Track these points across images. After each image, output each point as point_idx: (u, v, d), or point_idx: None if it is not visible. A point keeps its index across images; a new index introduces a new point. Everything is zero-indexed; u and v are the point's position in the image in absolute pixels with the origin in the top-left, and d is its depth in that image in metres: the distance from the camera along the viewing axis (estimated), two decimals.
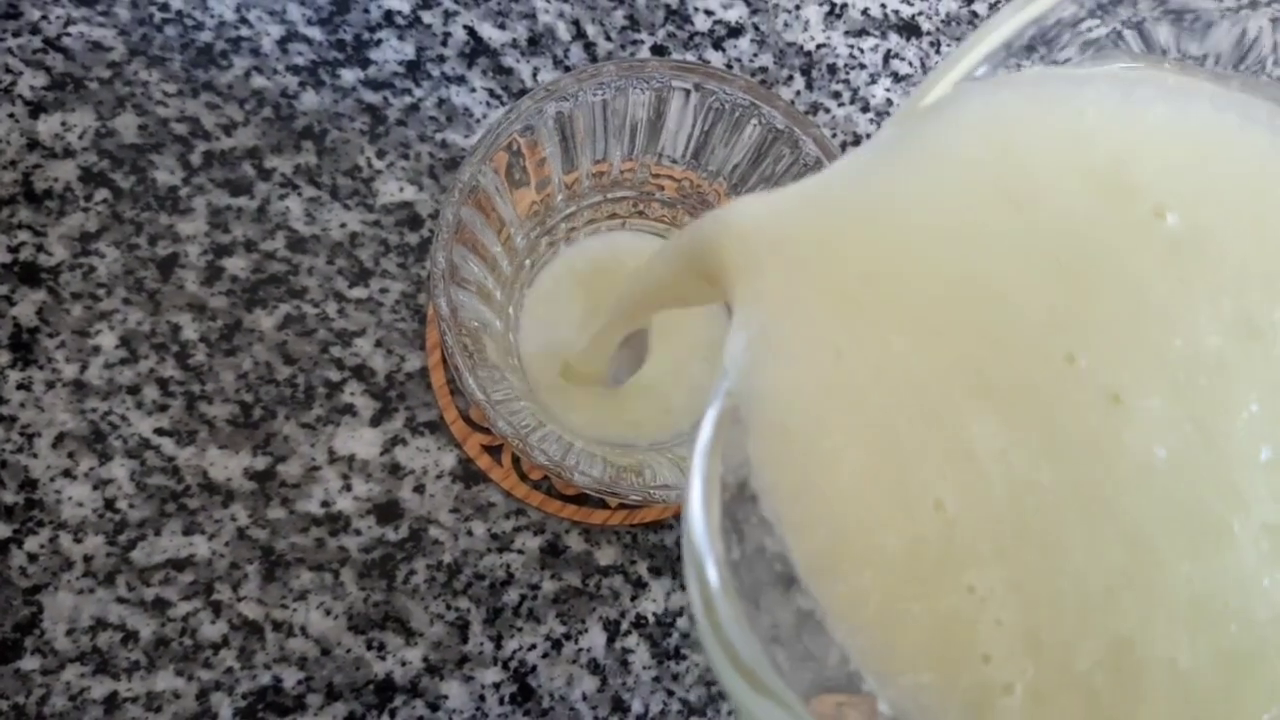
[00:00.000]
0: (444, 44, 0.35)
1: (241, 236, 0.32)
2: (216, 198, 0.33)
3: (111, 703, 0.29)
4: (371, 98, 0.34)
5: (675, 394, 0.32)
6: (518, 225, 0.29)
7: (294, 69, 0.34)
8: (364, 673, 0.30)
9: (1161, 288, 0.13)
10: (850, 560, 0.13)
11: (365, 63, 0.34)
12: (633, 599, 0.32)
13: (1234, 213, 0.13)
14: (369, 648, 0.31)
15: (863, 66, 0.36)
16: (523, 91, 0.35)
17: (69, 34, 0.33)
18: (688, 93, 0.27)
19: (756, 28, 0.36)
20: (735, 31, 0.36)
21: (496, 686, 0.31)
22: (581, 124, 0.27)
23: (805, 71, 0.36)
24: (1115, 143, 0.14)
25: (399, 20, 0.35)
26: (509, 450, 0.32)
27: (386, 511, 0.31)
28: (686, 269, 0.18)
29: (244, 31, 0.34)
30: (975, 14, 0.37)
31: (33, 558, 0.30)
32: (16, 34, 0.33)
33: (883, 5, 0.37)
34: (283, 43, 0.34)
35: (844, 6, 0.37)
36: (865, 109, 0.36)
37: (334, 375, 0.32)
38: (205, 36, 0.34)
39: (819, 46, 0.36)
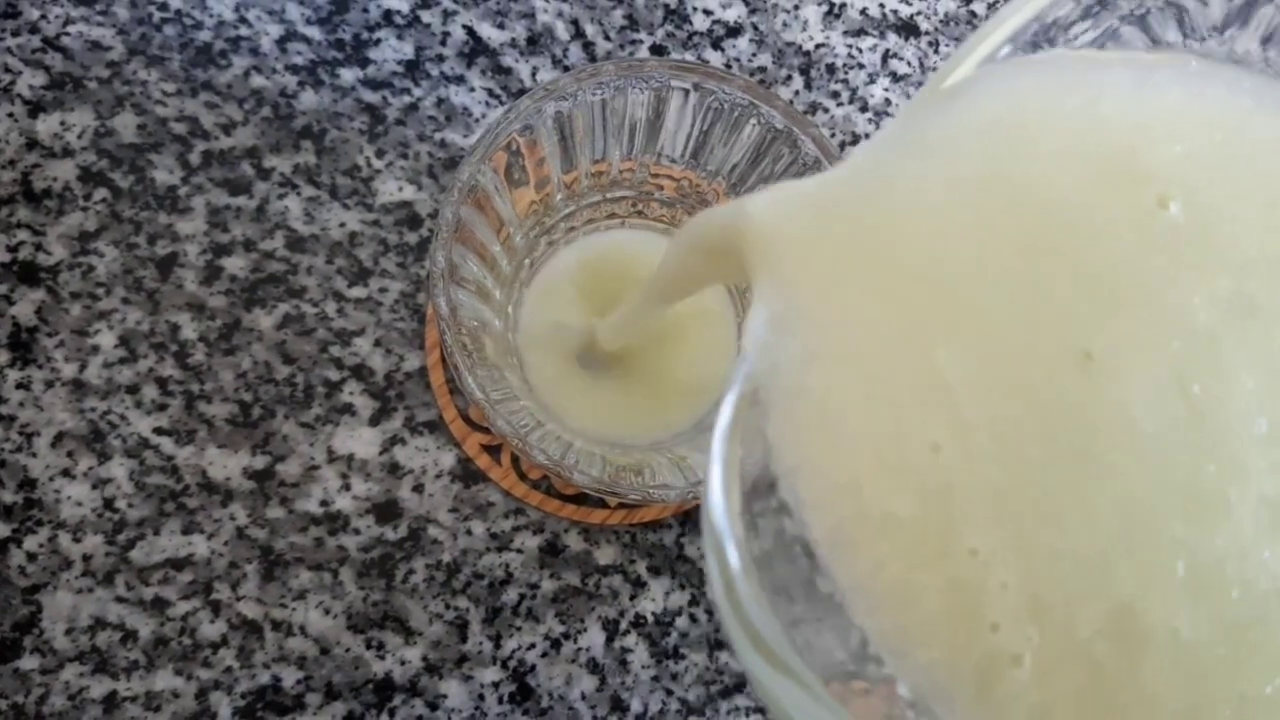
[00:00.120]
0: (443, 43, 0.35)
1: (240, 236, 0.32)
2: (215, 197, 0.33)
3: (110, 702, 0.29)
4: (370, 97, 0.34)
5: (675, 393, 0.32)
6: (517, 225, 0.29)
7: (293, 68, 0.34)
8: (363, 672, 0.30)
9: (1161, 268, 0.13)
10: (867, 531, 0.14)
11: (364, 62, 0.34)
12: (632, 598, 0.32)
13: (1245, 195, 0.14)
14: (368, 647, 0.31)
15: (861, 66, 0.36)
16: (522, 91, 0.35)
17: (68, 33, 0.33)
18: (686, 92, 0.27)
19: (755, 27, 0.36)
20: (734, 31, 0.36)
21: (495, 686, 0.31)
22: (580, 123, 0.27)
23: (804, 71, 0.36)
24: (1126, 129, 0.14)
25: (398, 20, 0.35)
26: (508, 450, 0.32)
27: (385, 511, 0.31)
28: (708, 250, 0.18)
29: (243, 31, 0.34)
30: (974, 14, 0.37)
31: (32, 557, 0.30)
32: (15, 33, 0.33)
33: (881, 5, 0.37)
34: (282, 42, 0.34)
35: (843, 6, 0.37)
36: (864, 109, 0.36)
37: (333, 375, 0.32)
38: (204, 36, 0.34)
39: (818, 46, 0.36)
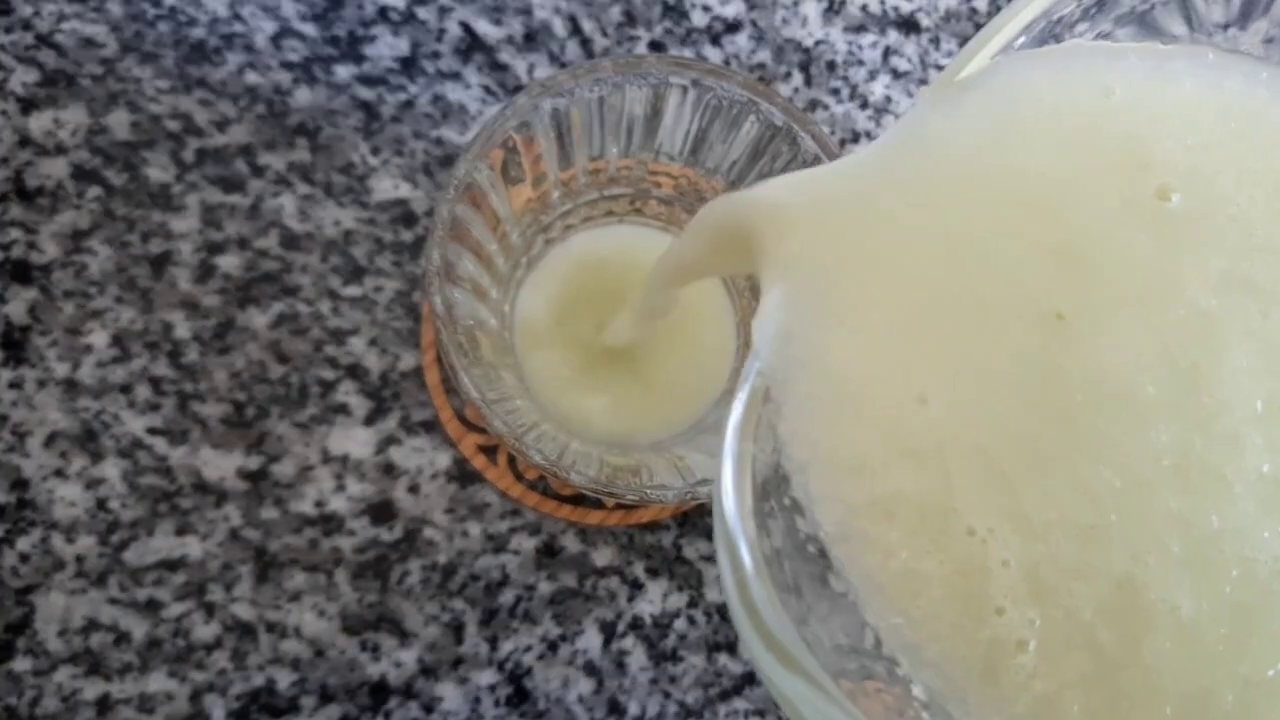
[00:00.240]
0: (439, 40, 0.34)
1: (234, 234, 0.32)
2: (209, 195, 0.32)
3: (104, 704, 0.29)
4: (366, 94, 0.34)
5: (673, 393, 0.31)
6: (513, 222, 0.29)
7: (287, 65, 0.33)
8: (358, 674, 0.30)
9: (1157, 248, 0.14)
10: (874, 517, 0.14)
11: (359, 59, 0.34)
12: (629, 600, 0.32)
13: (1255, 183, 0.14)
14: (363, 649, 0.30)
15: (861, 63, 0.36)
16: (518, 88, 0.34)
17: (61, 30, 0.33)
18: (685, 89, 0.26)
19: (754, 24, 0.36)
20: (733, 27, 0.36)
21: (492, 688, 0.31)
22: (578, 121, 0.27)
23: (804, 68, 0.36)
24: (1135, 118, 0.14)
25: (393, 16, 0.34)
26: (504, 450, 0.32)
27: (381, 512, 0.31)
28: (721, 234, 0.18)
29: (237, 28, 0.34)
30: (974, 10, 0.37)
31: (24, 558, 0.30)
32: (8, 30, 0.33)
33: (881, 1, 0.36)
34: (276, 39, 0.34)
35: (842, 3, 0.36)
36: (864, 105, 0.36)
37: (328, 374, 0.32)
38: (198, 33, 0.33)
39: (817, 43, 0.36)
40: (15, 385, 0.30)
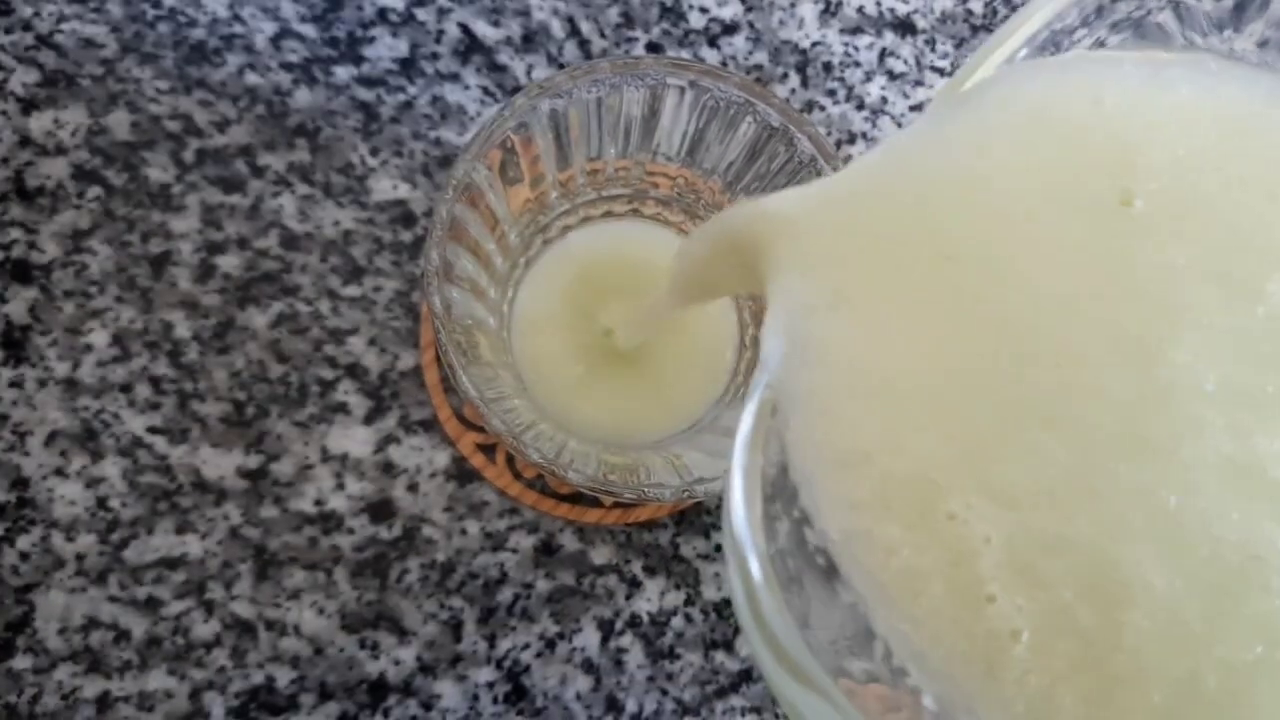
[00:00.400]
0: (438, 41, 0.34)
1: (234, 234, 0.32)
2: (209, 195, 0.32)
3: (104, 702, 0.29)
4: (365, 95, 0.34)
5: (672, 392, 0.31)
6: (512, 223, 0.29)
7: (287, 66, 0.34)
8: (357, 672, 0.30)
9: (1132, 242, 0.14)
10: (876, 514, 0.14)
11: (359, 60, 0.34)
12: (627, 598, 0.32)
13: (1243, 187, 0.14)
14: (362, 647, 0.30)
15: (858, 64, 0.36)
16: (517, 89, 0.35)
17: (61, 31, 0.33)
18: (682, 90, 0.26)
19: (751, 25, 0.36)
20: (730, 29, 0.36)
21: (490, 686, 0.31)
22: (576, 121, 0.27)
23: (800, 69, 0.36)
24: (1124, 127, 0.15)
25: (393, 17, 0.34)
26: (503, 449, 0.32)
27: (380, 510, 0.31)
28: (726, 247, 0.18)
29: (237, 29, 0.34)
30: (970, 12, 0.37)
31: (24, 556, 0.30)
32: (8, 30, 0.33)
33: (878, 3, 0.37)
34: (276, 40, 0.34)
35: (839, 4, 0.36)
36: (860, 107, 0.36)
37: (327, 373, 0.32)
38: (198, 33, 0.33)
39: (814, 44, 0.36)
40: (15, 384, 0.31)
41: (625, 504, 0.31)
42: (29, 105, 0.32)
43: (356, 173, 0.33)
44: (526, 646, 0.31)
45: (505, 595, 0.31)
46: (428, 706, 0.30)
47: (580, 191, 0.31)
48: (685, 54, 0.36)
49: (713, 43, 0.36)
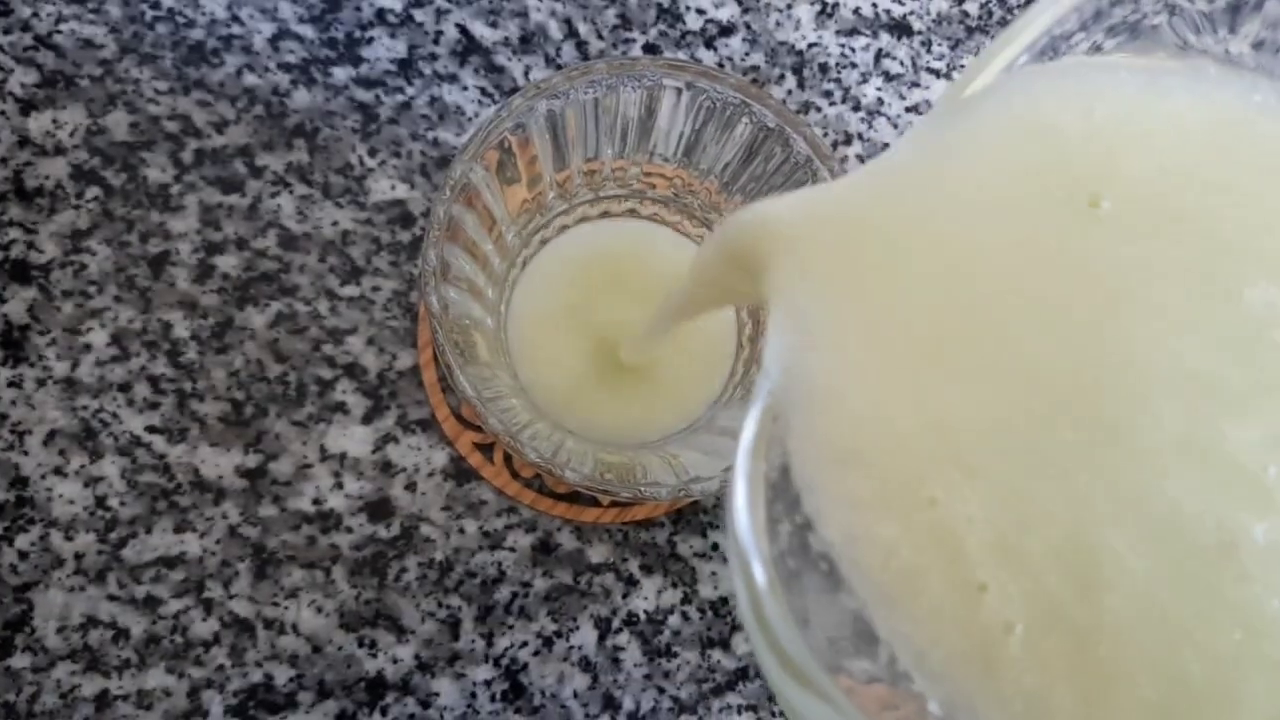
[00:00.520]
0: (436, 42, 0.35)
1: (233, 234, 0.32)
2: (208, 195, 0.33)
3: (102, 700, 0.29)
4: (363, 96, 0.34)
5: (670, 392, 0.32)
6: (509, 223, 0.29)
7: (285, 67, 0.34)
8: (355, 670, 0.30)
9: (1099, 248, 0.14)
10: (875, 513, 0.14)
11: (357, 61, 0.34)
12: (624, 597, 0.32)
13: (1234, 190, 0.14)
14: (360, 645, 0.31)
15: (854, 65, 0.36)
16: (514, 90, 0.35)
17: (60, 31, 0.33)
18: (679, 91, 0.27)
19: (748, 26, 0.36)
20: (727, 30, 0.36)
21: (488, 684, 0.31)
22: (573, 122, 0.27)
23: (797, 70, 0.36)
24: (1111, 138, 0.15)
25: (391, 18, 0.35)
26: (500, 448, 0.32)
27: (378, 509, 0.31)
28: (730, 257, 0.19)
29: (235, 29, 0.34)
30: (966, 13, 0.37)
31: (23, 555, 0.30)
32: (7, 31, 0.33)
33: (874, 4, 0.37)
34: (274, 40, 0.34)
35: (835, 6, 0.37)
36: (856, 108, 0.36)
37: (325, 373, 0.32)
38: (197, 34, 0.34)
39: (810, 45, 0.36)
40: (14, 384, 0.31)
41: (622, 503, 0.31)
42: (28, 106, 0.32)
43: (355, 173, 0.33)
44: (524, 645, 0.31)
45: (503, 594, 0.31)
46: (426, 704, 0.31)
47: (577, 192, 0.31)
48: (682, 55, 0.36)
49: (709, 44, 0.36)
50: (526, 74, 0.35)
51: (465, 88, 0.34)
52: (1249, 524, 0.13)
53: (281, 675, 0.30)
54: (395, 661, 0.31)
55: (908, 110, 0.36)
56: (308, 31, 0.34)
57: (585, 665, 0.31)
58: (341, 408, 0.32)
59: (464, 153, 0.25)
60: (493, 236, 0.29)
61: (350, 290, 0.33)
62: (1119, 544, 0.13)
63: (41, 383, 0.31)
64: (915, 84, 0.36)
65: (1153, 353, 0.13)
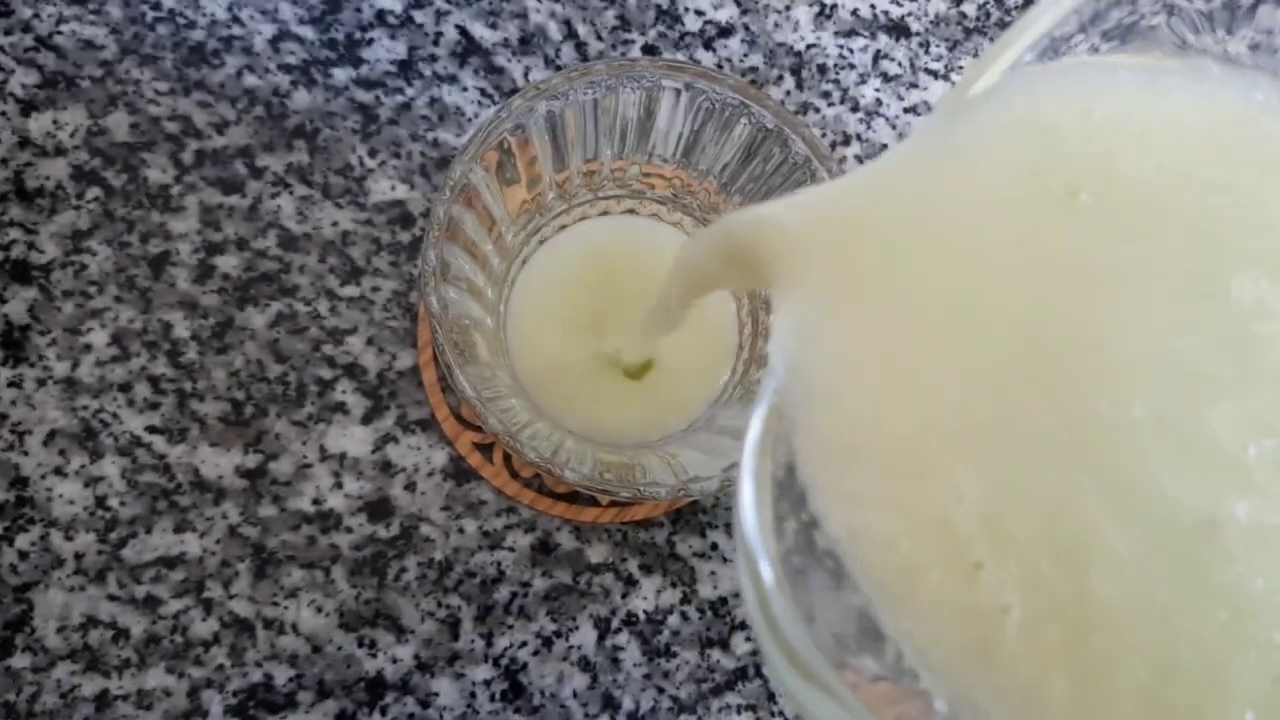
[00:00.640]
0: (435, 43, 0.35)
1: (233, 235, 0.32)
2: (208, 196, 0.33)
3: (102, 700, 0.29)
4: (363, 97, 0.34)
5: (669, 392, 0.32)
6: (509, 223, 0.29)
7: (286, 68, 0.34)
8: (355, 670, 0.30)
9: (1084, 242, 0.15)
10: (876, 507, 0.14)
11: (357, 62, 0.34)
12: (623, 596, 0.32)
13: (1231, 190, 0.14)
14: (360, 645, 0.31)
15: (852, 67, 0.36)
16: (514, 91, 0.35)
17: (60, 32, 0.33)
18: (678, 92, 0.27)
19: (747, 28, 0.36)
20: (725, 31, 0.36)
21: (487, 684, 0.31)
22: (572, 123, 0.28)
23: (795, 71, 0.36)
24: (1109, 137, 0.15)
25: (391, 20, 0.35)
26: (500, 448, 0.32)
27: (378, 509, 0.31)
28: (729, 256, 0.19)
29: (236, 30, 0.34)
30: (964, 15, 0.37)
31: (23, 555, 0.30)
32: (8, 32, 0.33)
33: (872, 6, 0.37)
34: (275, 42, 0.34)
35: (834, 7, 0.37)
36: (855, 109, 0.36)
37: (325, 373, 0.32)
38: (197, 35, 0.34)
39: (809, 47, 0.36)
40: (15, 384, 0.31)
41: (621, 503, 0.31)
42: (28, 106, 0.32)
43: (355, 174, 0.33)
44: (523, 644, 0.31)
45: (502, 593, 0.31)
46: (425, 704, 0.31)
47: (577, 192, 0.31)
48: (681, 56, 0.36)
49: (708, 45, 0.36)
50: (526, 75, 0.35)
51: (465, 89, 0.34)
52: (1231, 504, 0.13)
53: (281, 675, 0.30)
54: (395, 661, 0.31)
55: (906, 111, 0.36)
56: (308, 33, 0.34)
57: (585, 665, 0.31)
58: (341, 408, 0.32)
59: (464, 153, 0.26)
60: (492, 237, 0.29)
61: (350, 290, 0.33)
62: (1106, 526, 0.13)
63: (42, 383, 0.31)
64: (913, 85, 0.37)
65: (1146, 348, 0.13)
